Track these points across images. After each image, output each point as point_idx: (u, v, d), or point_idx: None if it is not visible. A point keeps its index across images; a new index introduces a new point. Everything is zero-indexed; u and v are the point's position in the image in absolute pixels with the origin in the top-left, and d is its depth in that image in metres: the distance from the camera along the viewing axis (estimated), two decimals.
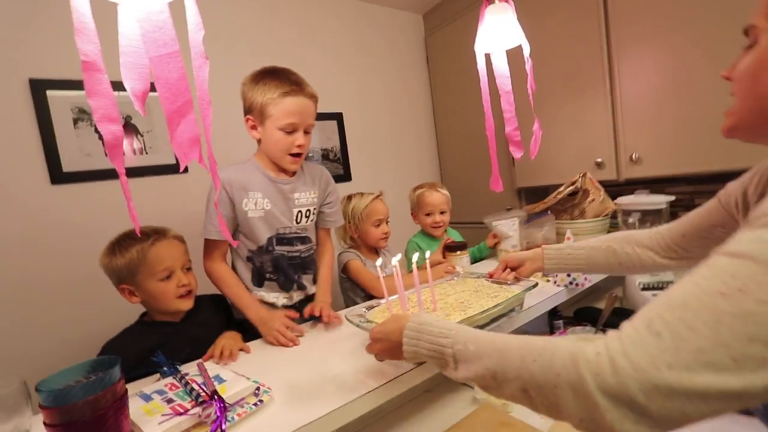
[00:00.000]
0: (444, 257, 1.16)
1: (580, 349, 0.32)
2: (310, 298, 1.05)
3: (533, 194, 1.86)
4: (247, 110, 0.91)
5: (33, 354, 1.17)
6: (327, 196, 1.07)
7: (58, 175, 1.21)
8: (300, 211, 0.98)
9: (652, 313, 0.31)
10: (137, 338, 0.82)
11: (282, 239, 0.97)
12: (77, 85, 1.24)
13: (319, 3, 1.77)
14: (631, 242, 0.71)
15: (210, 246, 0.92)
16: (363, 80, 1.93)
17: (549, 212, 1.23)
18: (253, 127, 0.92)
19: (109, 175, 1.28)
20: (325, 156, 1.79)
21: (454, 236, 1.42)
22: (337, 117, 1.82)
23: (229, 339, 0.82)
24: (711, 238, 0.60)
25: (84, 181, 1.25)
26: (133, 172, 1.33)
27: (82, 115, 1.26)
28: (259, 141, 0.95)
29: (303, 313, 0.95)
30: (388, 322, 0.56)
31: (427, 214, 1.34)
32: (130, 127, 1.34)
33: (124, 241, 0.82)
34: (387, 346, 0.55)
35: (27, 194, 1.17)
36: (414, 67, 2.14)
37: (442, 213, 1.34)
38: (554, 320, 1.11)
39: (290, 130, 0.89)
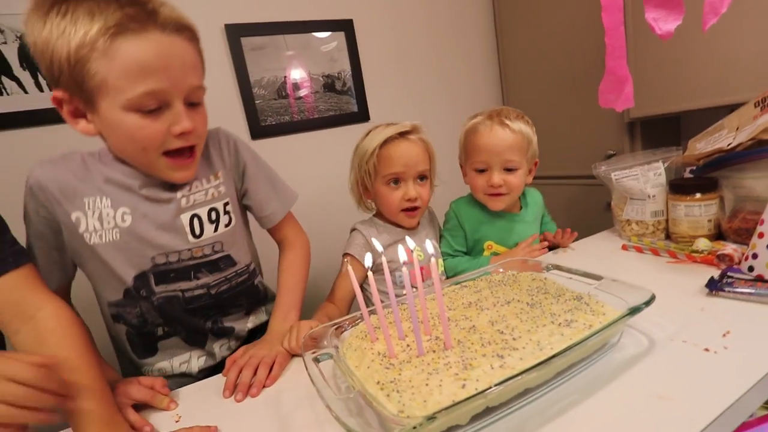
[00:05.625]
0: None
1: None
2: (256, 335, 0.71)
3: (656, 130, 1.32)
4: (54, 79, 0.50)
5: None
6: (243, 174, 0.69)
7: None
8: (196, 217, 0.62)
9: None
10: None
11: (167, 273, 0.62)
12: None
13: None
14: None
15: None
16: None
17: None
18: (75, 114, 0.53)
19: None
20: (329, 86, 1.39)
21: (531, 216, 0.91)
22: (345, 27, 1.39)
23: None
24: None
25: None
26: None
27: None
28: (102, 137, 0.56)
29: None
30: None
31: (480, 171, 0.82)
32: None
33: None
34: None
35: None
36: None
37: (508, 170, 0.81)
38: None
39: (154, 106, 0.51)
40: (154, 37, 0.49)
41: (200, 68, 0.58)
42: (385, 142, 0.77)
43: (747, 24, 0.96)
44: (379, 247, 0.49)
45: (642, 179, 0.82)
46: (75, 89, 0.49)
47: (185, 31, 0.53)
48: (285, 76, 1.31)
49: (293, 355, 0.60)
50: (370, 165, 0.78)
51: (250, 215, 0.75)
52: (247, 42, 1.24)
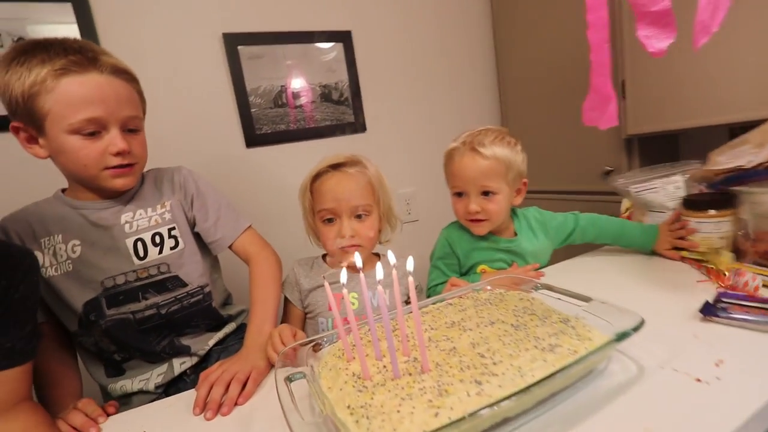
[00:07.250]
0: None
1: None
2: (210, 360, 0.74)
3: (654, 147, 1.30)
4: (12, 113, 0.61)
5: None
6: (192, 204, 0.75)
7: None
8: (140, 241, 0.68)
9: None
10: None
11: (116, 296, 0.67)
12: None
13: None
14: None
15: None
16: None
17: None
18: (30, 140, 0.62)
19: None
20: (326, 96, 1.39)
21: (526, 232, 0.84)
22: (344, 38, 1.40)
23: None
24: None
25: None
26: None
27: None
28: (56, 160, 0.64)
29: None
30: None
31: (457, 194, 0.81)
32: None
33: None
34: None
35: None
36: None
37: (485, 194, 0.77)
38: None
39: (92, 130, 0.61)
40: (92, 77, 0.60)
41: (136, 102, 0.67)
42: (317, 175, 0.74)
43: (746, 41, 0.96)
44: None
45: (662, 192, 0.82)
46: (28, 120, 0.60)
47: (122, 74, 0.64)
48: (283, 85, 1.31)
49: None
50: (306, 202, 0.76)
51: None
52: (244, 51, 1.24)
